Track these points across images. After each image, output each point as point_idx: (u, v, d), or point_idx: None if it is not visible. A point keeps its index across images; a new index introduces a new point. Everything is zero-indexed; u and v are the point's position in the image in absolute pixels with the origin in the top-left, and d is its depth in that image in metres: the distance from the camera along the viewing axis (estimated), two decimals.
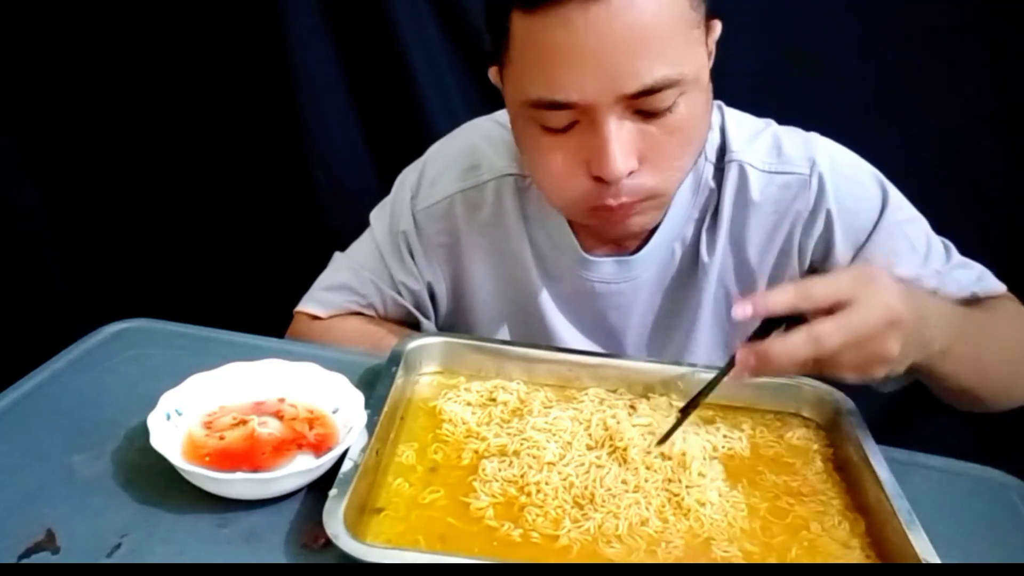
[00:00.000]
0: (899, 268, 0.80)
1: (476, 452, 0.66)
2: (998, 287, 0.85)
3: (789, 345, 0.60)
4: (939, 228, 0.85)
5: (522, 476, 0.63)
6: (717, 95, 0.87)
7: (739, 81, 0.84)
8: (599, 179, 0.70)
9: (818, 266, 0.85)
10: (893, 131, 1.20)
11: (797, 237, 0.84)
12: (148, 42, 1.32)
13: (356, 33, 1.30)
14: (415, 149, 0.96)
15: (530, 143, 0.74)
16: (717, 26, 0.73)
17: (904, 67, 1.21)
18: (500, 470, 0.63)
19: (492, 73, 0.78)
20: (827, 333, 0.59)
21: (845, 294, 0.60)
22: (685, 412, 0.67)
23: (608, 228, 0.78)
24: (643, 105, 0.67)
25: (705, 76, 0.71)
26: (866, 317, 0.60)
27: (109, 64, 1.33)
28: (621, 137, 0.67)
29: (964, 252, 0.85)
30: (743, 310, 0.60)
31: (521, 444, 0.66)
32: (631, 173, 0.69)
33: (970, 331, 0.74)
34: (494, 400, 0.73)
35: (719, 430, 0.71)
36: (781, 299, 0.61)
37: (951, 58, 1.20)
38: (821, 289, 0.61)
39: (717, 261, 0.85)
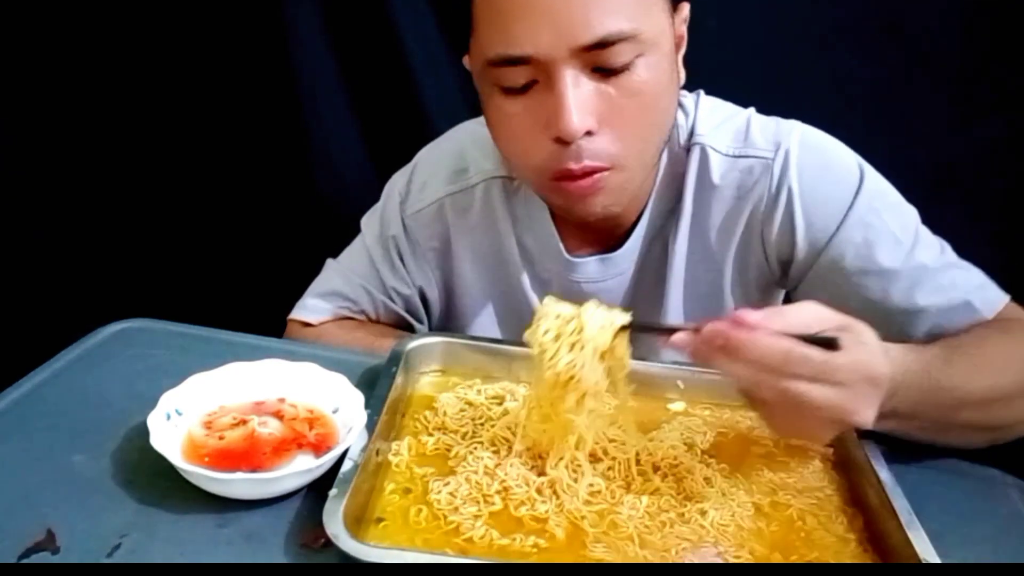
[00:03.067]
0: (878, 258, 0.77)
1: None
2: (998, 299, 0.77)
3: (732, 368, 0.57)
4: (936, 228, 0.84)
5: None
6: (717, 95, 0.88)
7: (739, 81, 0.84)
8: (559, 140, 0.69)
9: (784, 258, 0.83)
10: (892, 131, 1.20)
11: (759, 222, 0.82)
12: (149, 42, 1.32)
13: (356, 33, 1.30)
14: (415, 149, 0.96)
15: (493, 111, 0.73)
16: (685, 8, 0.73)
17: (904, 67, 1.21)
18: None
19: (465, 60, 0.77)
20: (769, 384, 0.56)
21: (837, 377, 0.56)
22: (630, 328, 0.65)
23: (571, 204, 0.75)
24: (599, 60, 0.67)
25: (667, 43, 0.70)
26: (831, 399, 0.56)
27: (110, 64, 1.33)
28: (578, 94, 0.67)
29: (961, 253, 0.82)
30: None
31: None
32: (590, 134, 0.69)
33: (943, 397, 0.67)
34: (500, 401, 0.72)
35: (705, 435, 0.71)
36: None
37: (951, 58, 1.20)
38: (816, 359, 0.56)
39: (682, 248, 0.85)
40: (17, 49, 1.31)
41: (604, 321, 0.63)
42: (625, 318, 0.63)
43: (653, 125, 0.73)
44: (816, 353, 0.55)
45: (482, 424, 0.69)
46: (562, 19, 0.65)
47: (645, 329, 0.66)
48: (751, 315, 0.57)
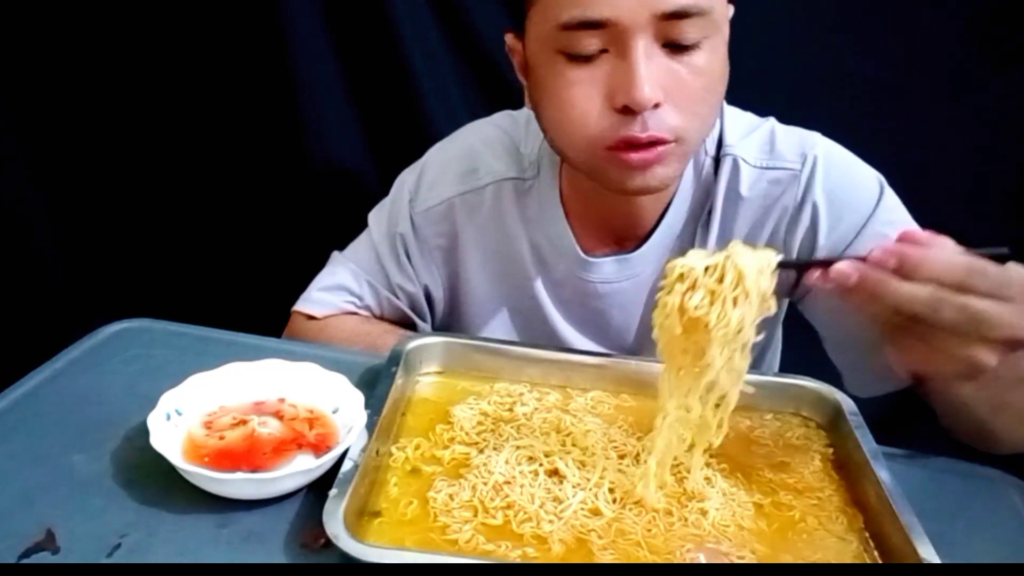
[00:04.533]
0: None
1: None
2: None
3: (907, 290, 0.55)
4: (938, 229, 0.84)
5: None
6: None
7: (739, 81, 0.84)
8: (625, 110, 0.69)
9: (801, 278, 0.83)
10: (893, 131, 1.20)
11: (782, 232, 0.84)
12: (149, 42, 1.32)
13: (356, 33, 1.30)
14: (415, 149, 0.96)
15: (554, 80, 0.72)
16: (730, 8, 0.74)
17: (904, 67, 1.21)
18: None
19: (509, 38, 0.78)
20: (951, 303, 0.54)
21: (1010, 292, 0.55)
22: (781, 266, 0.60)
23: (628, 176, 0.73)
24: (673, 34, 0.67)
25: (726, 30, 0.72)
26: (1005, 316, 0.55)
27: (110, 65, 1.33)
28: (651, 65, 0.68)
29: None
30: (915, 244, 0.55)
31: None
32: (656, 107, 0.69)
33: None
34: (511, 410, 0.72)
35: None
36: (953, 261, 0.55)
37: (952, 58, 1.20)
38: (993, 273, 0.55)
39: None
40: (19, 50, 1.31)
41: (760, 264, 0.59)
42: (777, 256, 0.60)
43: (711, 107, 0.74)
44: (992, 268, 0.55)
45: (504, 437, 0.68)
46: None
47: (797, 266, 0.62)
48: (921, 233, 0.56)
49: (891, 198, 0.82)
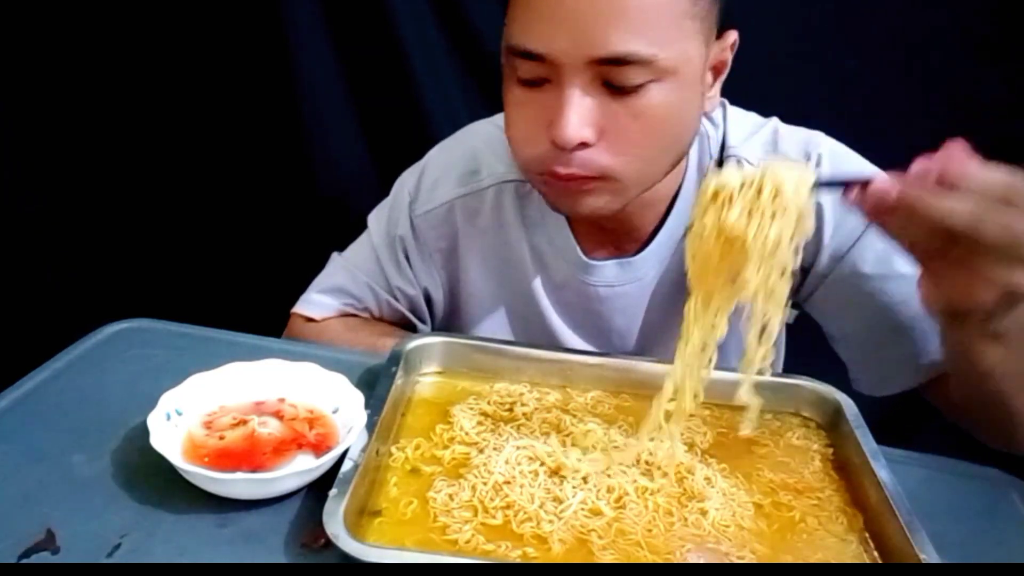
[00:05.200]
0: (896, 264, 0.78)
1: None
2: None
3: (949, 204, 0.53)
4: None
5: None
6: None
7: (740, 81, 0.84)
8: (553, 143, 0.69)
9: (806, 265, 0.83)
10: (893, 131, 1.20)
11: None
12: (148, 43, 1.32)
13: (356, 33, 1.30)
14: (415, 150, 0.96)
15: (507, 94, 0.73)
16: (731, 35, 0.73)
17: (904, 68, 1.21)
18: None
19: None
20: (994, 219, 0.53)
21: None
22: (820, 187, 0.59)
23: (556, 199, 0.75)
24: (610, 76, 0.66)
25: (690, 72, 0.69)
26: None
27: (110, 65, 1.33)
28: (581, 104, 0.67)
29: None
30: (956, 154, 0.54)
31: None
32: (585, 146, 0.68)
33: None
34: (511, 410, 0.72)
35: (705, 435, 0.71)
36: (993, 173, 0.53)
37: (952, 59, 1.20)
38: None
39: None
40: (19, 51, 1.31)
41: (797, 179, 0.56)
42: (815, 171, 0.58)
43: (658, 148, 0.72)
44: None
45: (504, 438, 0.68)
46: (582, 28, 0.65)
47: (836, 184, 0.59)
48: (961, 149, 0.54)
49: None
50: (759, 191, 0.56)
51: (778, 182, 0.56)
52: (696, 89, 0.71)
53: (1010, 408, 0.70)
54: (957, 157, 0.55)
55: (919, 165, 0.55)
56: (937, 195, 0.54)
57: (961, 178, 0.54)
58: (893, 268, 0.79)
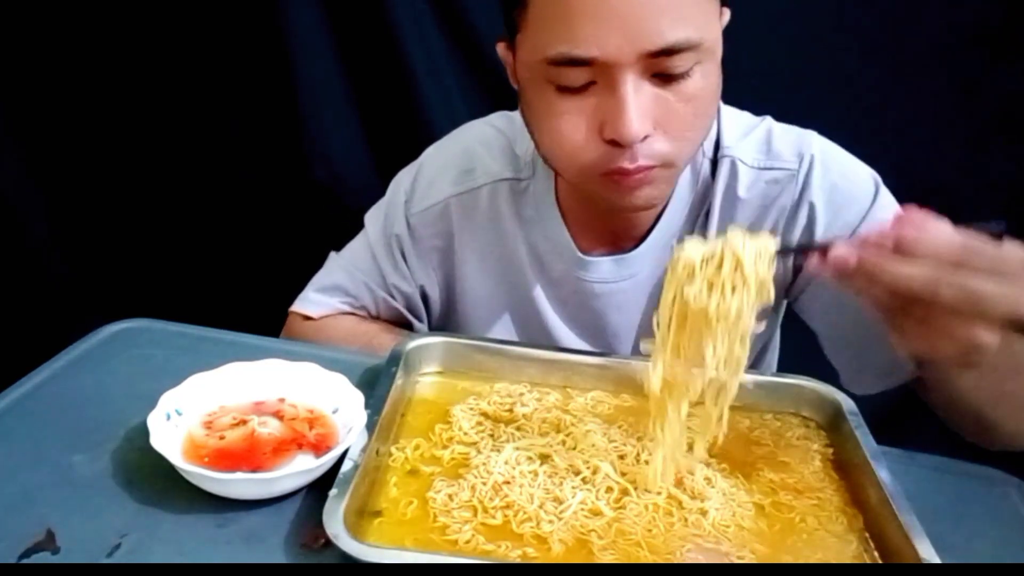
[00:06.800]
0: None
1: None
2: None
3: (905, 270, 0.54)
4: None
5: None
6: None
7: (739, 81, 0.84)
8: (613, 142, 0.69)
9: (799, 263, 0.84)
10: (893, 132, 1.20)
11: (780, 231, 0.84)
12: (149, 43, 1.32)
13: (356, 33, 1.30)
14: (415, 149, 0.96)
15: (543, 107, 0.72)
16: (726, 13, 0.73)
17: (904, 67, 1.21)
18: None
19: (500, 48, 0.77)
20: (949, 282, 0.53)
21: (1008, 268, 0.54)
22: (780, 252, 0.61)
23: (619, 197, 0.74)
24: (662, 67, 0.67)
25: (719, 51, 0.71)
26: (1003, 294, 0.54)
27: (110, 65, 1.33)
28: (639, 99, 0.67)
29: None
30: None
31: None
32: (646, 138, 0.68)
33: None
34: (511, 410, 0.72)
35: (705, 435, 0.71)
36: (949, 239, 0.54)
37: (952, 58, 1.20)
38: (990, 251, 0.55)
39: None
40: (20, 51, 1.31)
41: (758, 249, 0.59)
42: (775, 242, 0.60)
43: (703, 128, 0.73)
44: (989, 245, 0.54)
45: (503, 438, 0.68)
46: (632, 24, 0.64)
47: (795, 251, 0.61)
48: (918, 213, 0.56)
49: (886, 196, 0.82)
50: (720, 265, 0.58)
51: (739, 255, 0.58)
52: (720, 65, 0.72)
53: (984, 418, 0.72)
54: (913, 222, 0.56)
55: (876, 233, 0.57)
56: (894, 262, 0.55)
57: (917, 244, 0.55)
58: None
